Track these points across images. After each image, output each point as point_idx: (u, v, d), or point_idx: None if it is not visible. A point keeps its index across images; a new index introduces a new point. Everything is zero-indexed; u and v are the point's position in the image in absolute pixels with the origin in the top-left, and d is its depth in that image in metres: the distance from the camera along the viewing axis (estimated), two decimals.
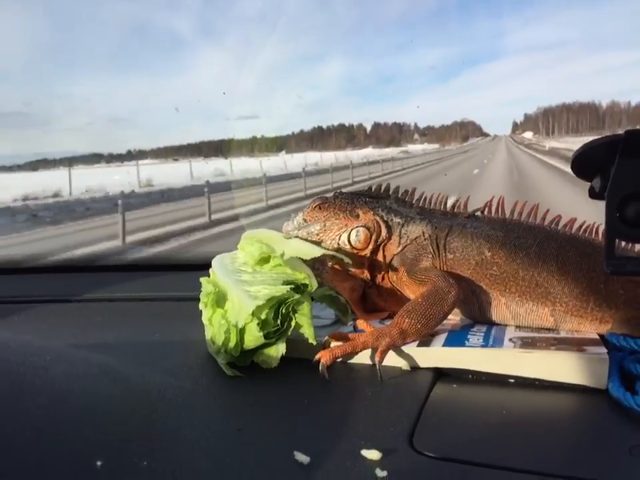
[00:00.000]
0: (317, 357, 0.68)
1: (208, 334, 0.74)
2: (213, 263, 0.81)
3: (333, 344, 0.72)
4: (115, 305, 1.10)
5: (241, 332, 0.68)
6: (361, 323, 0.78)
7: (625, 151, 0.59)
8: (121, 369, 0.65)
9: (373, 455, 0.50)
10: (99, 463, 0.44)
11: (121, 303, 1.11)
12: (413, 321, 0.71)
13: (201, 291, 0.77)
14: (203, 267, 0.84)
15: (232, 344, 0.68)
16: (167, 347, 0.81)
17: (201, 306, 0.76)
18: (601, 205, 0.64)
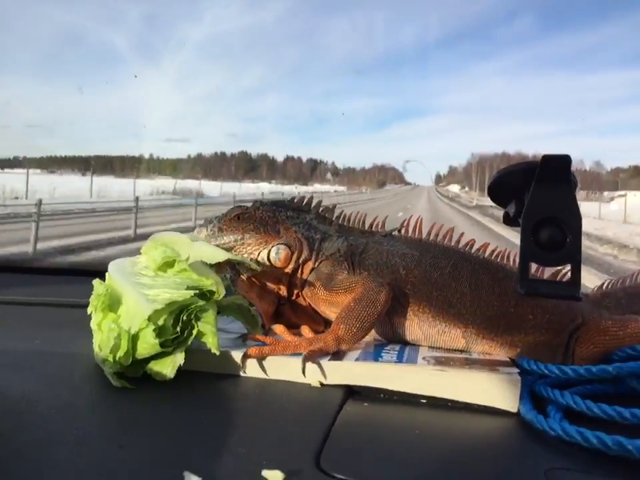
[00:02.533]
0: (246, 351, 0.65)
1: (95, 341, 0.65)
2: (110, 266, 0.73)
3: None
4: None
5: (134, 338, 0.61)
6: (278, 328, 0.73)
7: (541, 176, 0.60)
8: None
9: (275, 476, 0.44)
10: None
11: (1, 306, 0.98)
12: (348, 327, 0.69)
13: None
14: (101, 273, 0.76)
15: (122, 351, 0.60)
16: (46, 355, 0.71)
17: (89, 309, 0.68)
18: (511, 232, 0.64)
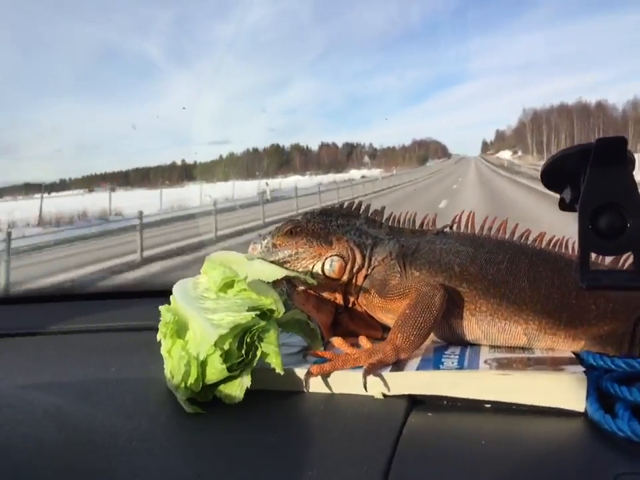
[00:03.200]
0: (308, 370, 0.67)
1: (167, 367, 0.69)
2: (174, 289, 0.77)
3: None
4: (69, 338, 1.03)
5: (203, 365, 0.64)
6: (336, 341, 0.74)
7: (596, 160, 0.57)
8: (70, 411, 0.60)
9: None
10: None
11: (75, 335, 1.04)
12: (405, 335, 0.70)
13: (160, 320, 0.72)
14: (164, 293, 0.79)
15: (192, 378, 0.63)
16: (122, 383, 0.75)
17: (159, 336, 0.71)
18: (569, 217, 0.62)
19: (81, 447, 0.53)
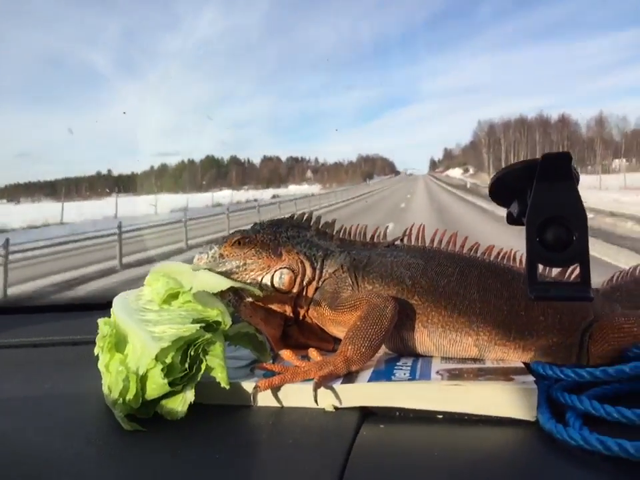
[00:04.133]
0: (256, 384, 0.64)
1: (104, 382, 0.65)
2: (114, 301, 0.73)
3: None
4: (0, 353, 0.96)
5: (142, 379, 0.60)
6: (285, 354, 0.72)
7: (542, 175, 0.58)
8: None
9: None
10: None
11: (7, 350, 0.97)
12: (356, 347, 0.68)
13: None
14: (104, 306, 0.75)
15: (131, 394, 0.59)
16: (56, 399, 0.71)
17: (96, 350, 0.67)
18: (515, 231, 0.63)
19: (11, 467, 0.49)
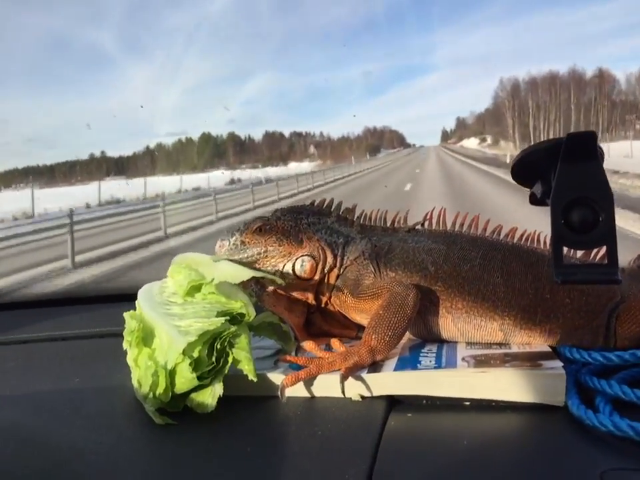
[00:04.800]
0: (282, 381, 0.63)
1: (134, 377, 0.66)
2: (139, 294, 0.73)
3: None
4: (28, 348, 0.98)
5: (171, 374, 0.61)
6: (308, 345, 0.72)
7: (567, 155, 0.57)
8: (31, 426, 0.57)
9: None
10: None
11: (35, 344, 0.99)
12: (379, 336, 0.68)
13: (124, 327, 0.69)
14: (129, 297, 0.76)
15: (161, 388, 0.60)
16: (86, 393, 0.72)
17: (125, 345, 0.68)
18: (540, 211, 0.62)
19: (40, 463, 0.50)
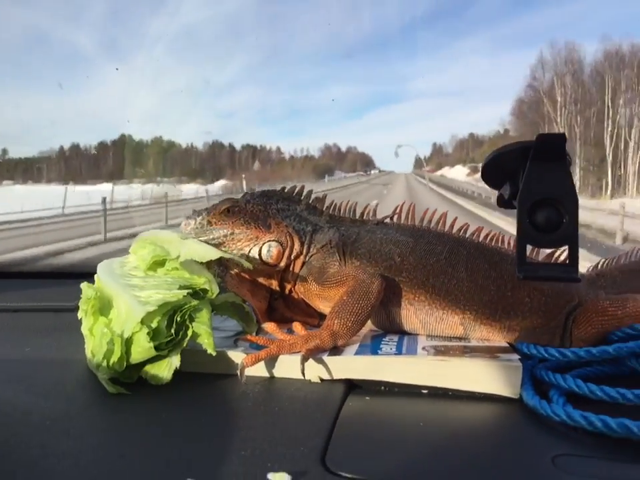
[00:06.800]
0: (242, 360, 0.62)
1: (88, 347, 0.64)
2: (98, 267, 0.71)
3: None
4: None
5: (127, 343, 0.59)
6: (269, 326, 0.71)
7: (536, 156, 0.59)
8: None
9: (281, 478, 0.43)
10: None
11: None
12: (342, 321, 0.68)
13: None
14: (88, 274, 0.74)
15: (115, 357, 0.58)
16: (38, 363, 0.69)
17: (80, 314, 0.66)
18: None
19: None
